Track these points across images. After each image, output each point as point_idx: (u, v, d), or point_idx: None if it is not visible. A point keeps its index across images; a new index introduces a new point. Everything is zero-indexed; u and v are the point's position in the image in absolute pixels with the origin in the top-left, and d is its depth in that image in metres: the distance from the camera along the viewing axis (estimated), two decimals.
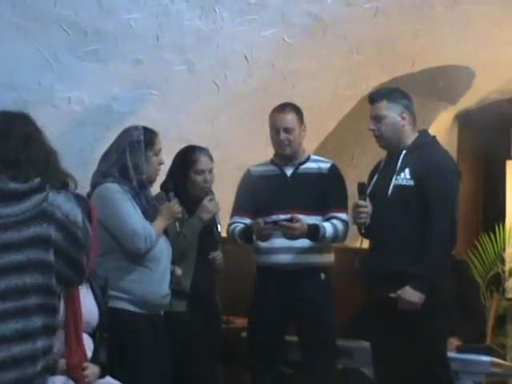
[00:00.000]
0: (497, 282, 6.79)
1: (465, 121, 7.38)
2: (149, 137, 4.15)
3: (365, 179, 4.51)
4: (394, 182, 4.27)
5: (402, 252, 4.21)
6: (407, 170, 4.26)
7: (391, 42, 5.65)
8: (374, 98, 4.41)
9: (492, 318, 6.55)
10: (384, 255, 4.27)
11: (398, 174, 4.28)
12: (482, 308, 5.98)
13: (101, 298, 3.76)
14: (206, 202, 4.51)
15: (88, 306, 3.67)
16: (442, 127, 7.18)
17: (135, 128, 4.17)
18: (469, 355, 4.96)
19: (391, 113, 4.34)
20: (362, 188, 4.36)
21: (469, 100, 6.59)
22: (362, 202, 4.31)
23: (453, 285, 4.42)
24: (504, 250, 6.85)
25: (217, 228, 4.58)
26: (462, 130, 7.46)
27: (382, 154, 4.53)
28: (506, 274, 6.89)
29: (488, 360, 4.99)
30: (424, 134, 4.47)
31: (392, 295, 4.16)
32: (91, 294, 3.73)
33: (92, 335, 3.72)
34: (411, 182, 4.24)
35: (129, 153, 4.09)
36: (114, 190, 4.03)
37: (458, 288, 4.81)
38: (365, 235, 4.42)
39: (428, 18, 5.50)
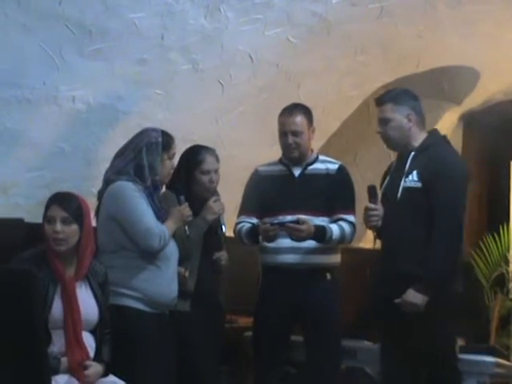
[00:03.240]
0: (501, 282, 6.78)
1: (470, 121, 7.37)
2: (166, 140, 4.16)
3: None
4: (402, 184, 4.26)
5: (410, 254, 4.19)
6: (415, 172, 4.24)
7: (396, 42, 5.65)
8: (381, 100, 4.38)
9: (496, 319, 6.54)
10: (393, 257, 4.25)
11: (407, 176, 4.26)
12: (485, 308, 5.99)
13: (100, 294, 3.74)
14: (211, 202, 4.50)
15: (87, 304, 3.67)
16: (446, 128, 7.17)
17: (153, 129, 4.18)
18: (473, 356, 4.96)
19: (397, 115, 4.30)
20: (371, 191, 4.33)
21: (474, 101, 6.59)
22: (371, 205, 4.29)
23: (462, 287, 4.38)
24: (508, 250, 6.85)
25: (221, 229, 4.58)
26: (466, 131, 7.45)
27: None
28: (511, 274, 6.88)
29: (492, 361, 5.00)
30: (433, 134, 4.42)
31: (397, 301, 4.14)
32: (90, 291, 3.72)
33: (94, 333, 3.72)
34: (419, 184, 4.22)
35: (145, 153, 4.09)
36: (129, 187, 4.03)
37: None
38: (379, 237, 4.39)
39: (432, 19, 5.50)
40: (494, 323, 6.41)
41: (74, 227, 3.63)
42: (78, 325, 3.58)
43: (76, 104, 4.76)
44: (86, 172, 4.82)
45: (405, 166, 4.29)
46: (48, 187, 4.91)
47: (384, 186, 4.44)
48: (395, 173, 4.38)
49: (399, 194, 4.26)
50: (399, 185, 4.27)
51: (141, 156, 4.09)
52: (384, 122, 4.34)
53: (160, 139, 4.12)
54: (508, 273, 6.88)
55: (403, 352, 4.24)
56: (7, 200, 4.87)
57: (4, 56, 4.32)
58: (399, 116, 4.30)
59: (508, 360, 6.14)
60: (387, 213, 4.29)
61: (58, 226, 3.61)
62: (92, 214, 3.87)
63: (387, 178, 4.46)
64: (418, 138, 4.33)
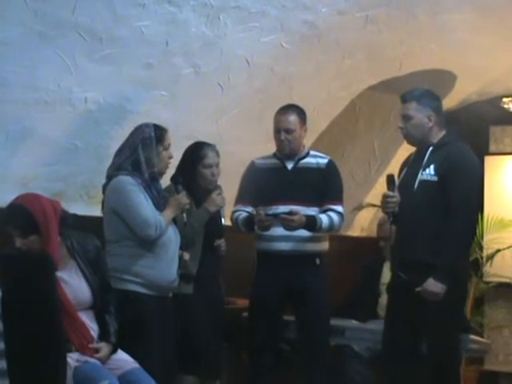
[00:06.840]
0: (476, 267, 6.82)
1: (448, 120, 7.38)
2: (159, 133, 4.17)
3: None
4: (419, 176, 4.22)
5: (424, 242, 4.16)
6: (432, 167, 4.20)
7: (380, 47, 5.66)
8: (406, 98, 4.32)
9: (471, 300, 6.58)
10: (408, 244, 4.22)
11: (424, 170, 4.22)
12: None
13: (91, 273, 3.66)
14: (214, 195, 4.54)
15: (77, 285, 3.62)
16: None
17: (146, 125, 4.18)
18: None
19: (419, 114, 4.26)
20: (390, 179, 4.30)
21: (451, 101, 6.60)
22: (389, 193, 4.26)
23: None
24: (482, 238, 6.88)
25: (221, 221, 4.60)
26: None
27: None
28: (484, 259, 6.92)
29: (467, 337, 5.03)
30: (450, 132, 4.38)
31: (418, 289, 4.10)
32: (80, 272, 3.64)
33: (97, 314, 3.68)
34: (435, 178, 4.18)
35: (141, 148, 4.11)
36: (127, 182, 4.05)
37: None
38: (394, 223, 4.35)
39: (413, 27, 5.50)
40: (469, 304, 6.45)
41: (32, 237, 3.51)
42: (66, 308, 3.49)
43: (88, 104, 4.76)
44: (98, 167, 4.83)
45: (423, 160, 4.25)
46: (64, 180, 4.95)
47: (402, 176, 4.41)
48: (413, 165, 4.34)
49: (416, 185, 4.22)
50: (416, 176, 4.23)
51: (137, 152, 4.10)
52: (406, 118, 4.29)
53: (153, 134, 4.12)
54: (482, 258, 6.92)
55: (409, 336, 4.24)
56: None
57: (23, 61, 4.32)
58: (421, 115, 4.26)
59: (482, 337, 6.19)
60: (403, 202, 4.25)
61: (18, 243, 3.51)
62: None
63: (405, 169, 4.42)
64: (437, 135, 4.29)
